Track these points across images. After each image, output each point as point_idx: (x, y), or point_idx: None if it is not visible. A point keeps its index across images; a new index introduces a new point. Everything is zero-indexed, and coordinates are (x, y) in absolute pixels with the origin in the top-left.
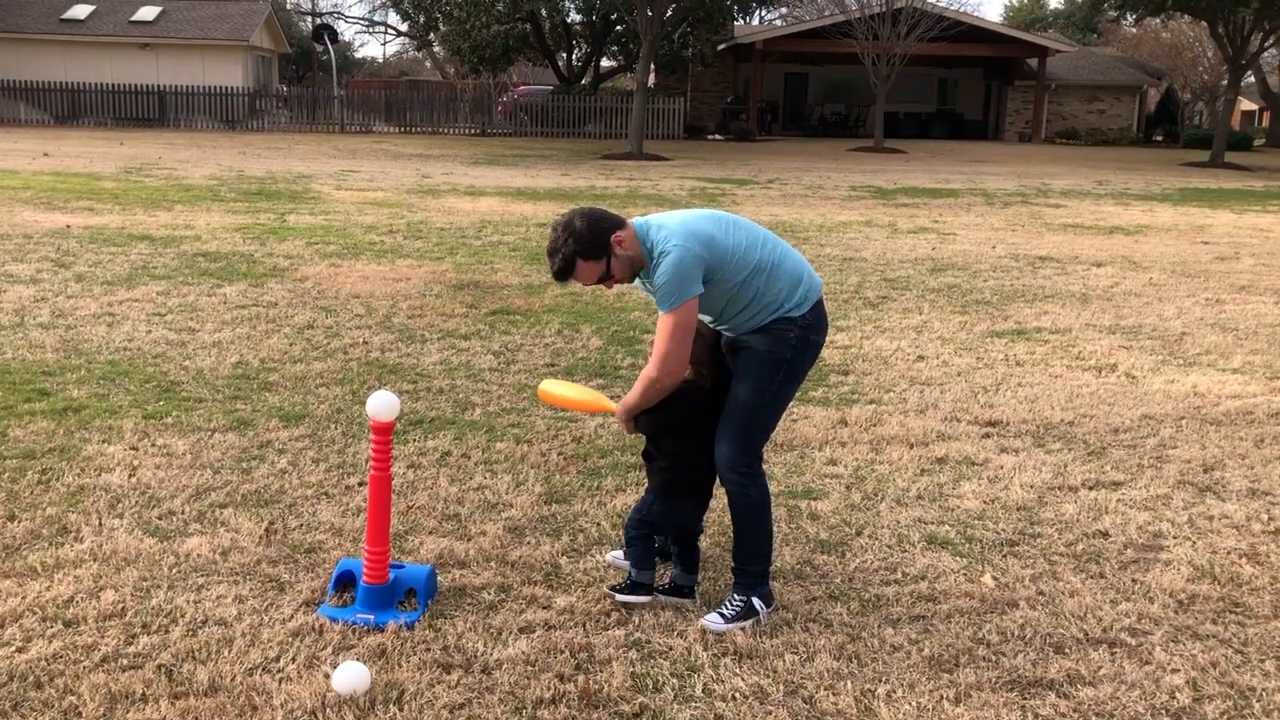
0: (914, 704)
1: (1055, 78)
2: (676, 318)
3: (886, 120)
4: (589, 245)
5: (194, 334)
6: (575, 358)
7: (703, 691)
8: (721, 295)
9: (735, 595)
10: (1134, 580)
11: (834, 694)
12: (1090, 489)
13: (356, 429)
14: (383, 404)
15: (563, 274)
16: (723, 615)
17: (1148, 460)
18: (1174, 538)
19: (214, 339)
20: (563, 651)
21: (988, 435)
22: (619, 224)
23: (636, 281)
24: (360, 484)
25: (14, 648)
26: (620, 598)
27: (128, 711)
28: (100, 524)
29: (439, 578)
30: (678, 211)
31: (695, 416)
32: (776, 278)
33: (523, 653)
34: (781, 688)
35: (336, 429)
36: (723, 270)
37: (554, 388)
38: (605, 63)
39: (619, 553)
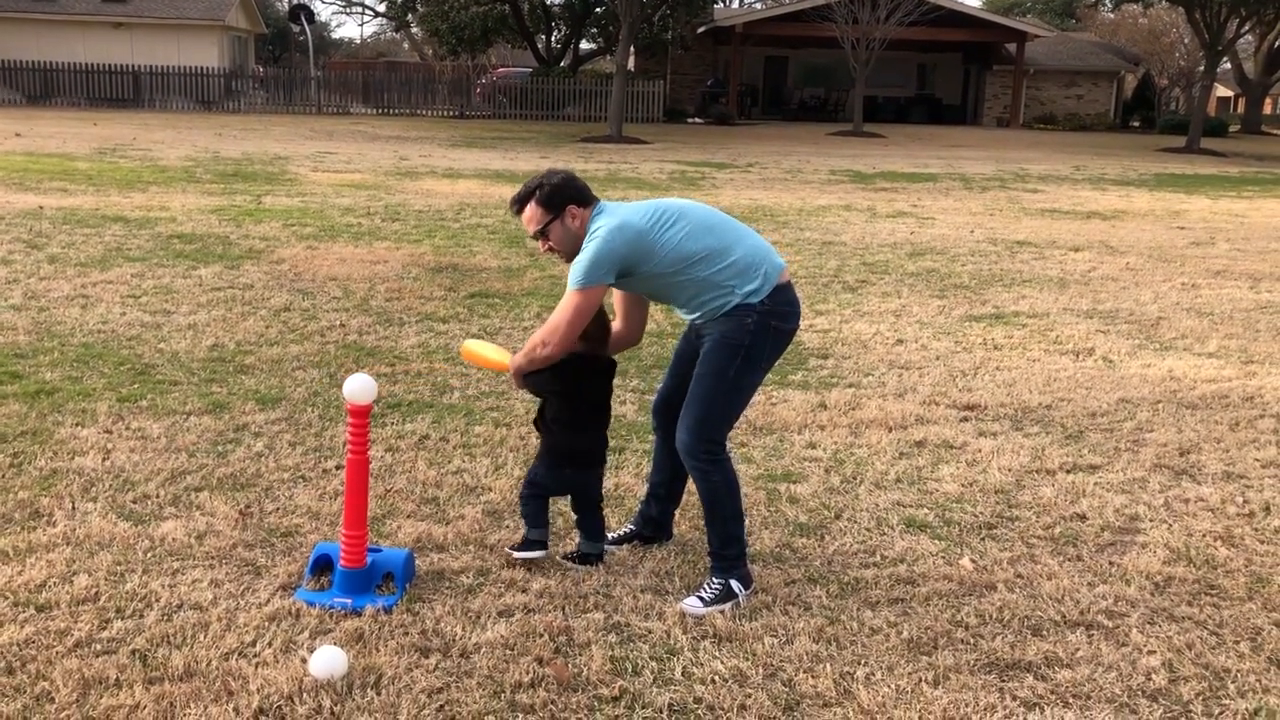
0: (893, 686)
1: (1034, 63)
2: (578, 299)
3: (866, 104)
4: (548, 196)
5: (169, 316)
6: None
7: (682, 674)
8: (660, 284)
9: (713, 579)
10: (1111, 563)
11: (813, 676)
12: (1068, 472)
13: (334, 412)
14: (360, 387)
15: (516, 203)
16: (701, 599)
17: (1125, 444)
18: (1150, 520)
19: (189, 321)
20: (542, 635)
21: (966, 419)
22: (584, 201)
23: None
24: (337, 467)
25: None
26: (517, 555)
27: (101, 697)
28: (74, 508)
29: (417, 561)
30: (631, 202)
31: (585, 385)
32: (723, 265)
33: (501, 636)
34: (761, 670)
35: (313, 412)
36: (649, 264)
37: (476, 347)
38: (585, 45)
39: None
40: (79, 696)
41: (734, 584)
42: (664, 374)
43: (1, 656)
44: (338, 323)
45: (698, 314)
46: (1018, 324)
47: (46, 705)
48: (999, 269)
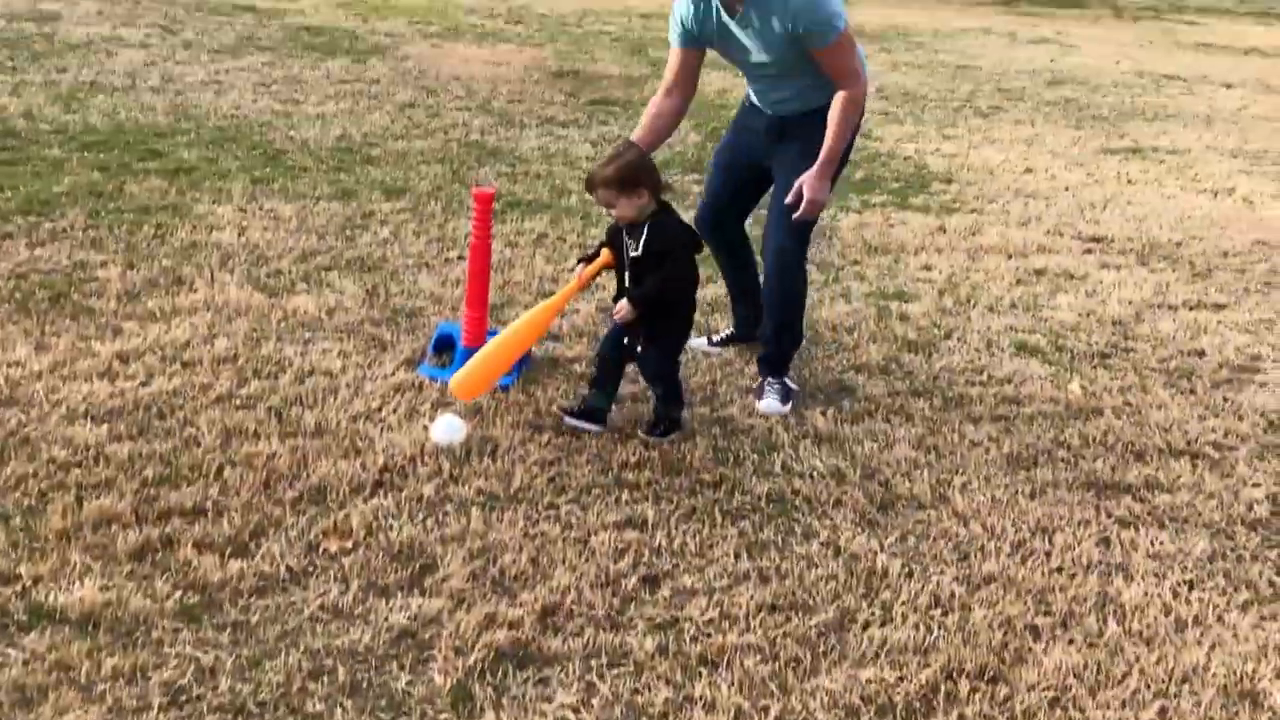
0: (988, 495)
1: None
2: (848, 34)
3: None
4: None
5: (298, 105)
6: (672, 151)
7: (781, 468)
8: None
9: (772, 380)
10: (1225, 399)
11: (910, 481)
12: (1190, 309)
13: (456, 206)
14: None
15: None
16: (779, 398)
17: (1255, 285)
18: (1273, 361)
19: (318, 111)
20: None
21: (1090, 251)
22: None
23: (731, 24)
24: (459, 257)
25: (138, 381)
26: (665, 440)
27: (241, 445)
28: (212, 277)
29: (533, 348)
30: None
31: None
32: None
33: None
34: (859, 470)
35: (436, 205)
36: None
37: (484, 358)
38: None
39: (702, 340)
40: (222, 443)
41: (789, 382)
42: (705, 184)
43: (153, 403)
44: (460, 121)
45: (799, 103)
46: (1156, 159)
47: (194, 448)
48: (1142, 102)
